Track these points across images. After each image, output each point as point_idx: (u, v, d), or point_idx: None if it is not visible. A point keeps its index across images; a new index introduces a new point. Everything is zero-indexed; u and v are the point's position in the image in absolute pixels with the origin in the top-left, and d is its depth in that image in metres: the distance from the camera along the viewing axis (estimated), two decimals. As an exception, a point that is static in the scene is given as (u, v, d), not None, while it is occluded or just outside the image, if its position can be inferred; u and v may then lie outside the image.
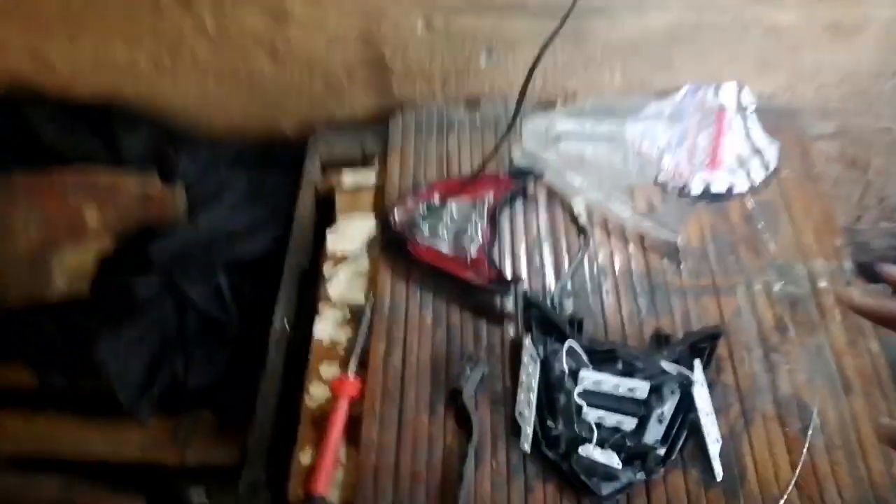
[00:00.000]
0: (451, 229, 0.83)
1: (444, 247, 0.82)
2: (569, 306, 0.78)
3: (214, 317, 0.94)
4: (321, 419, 0.75)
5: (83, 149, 0.97)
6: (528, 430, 0.69)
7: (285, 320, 0.86)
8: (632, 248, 0.82)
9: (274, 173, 1.03)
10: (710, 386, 0.70)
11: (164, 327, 0.93)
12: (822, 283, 0.78)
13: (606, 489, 0.65)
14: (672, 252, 0.81)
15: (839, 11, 0.82)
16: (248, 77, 0.97)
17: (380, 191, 0.91)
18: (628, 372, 0.70)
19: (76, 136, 0.98)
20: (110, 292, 0.92)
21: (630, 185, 0.86)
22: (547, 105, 0.95)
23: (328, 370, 0.79)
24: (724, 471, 0.66)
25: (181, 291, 0.92)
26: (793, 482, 0.66)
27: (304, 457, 0.73)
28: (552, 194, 0.87)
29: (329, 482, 0.71)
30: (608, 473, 0.65)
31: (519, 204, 0.87)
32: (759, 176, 0.84)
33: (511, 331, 0.77)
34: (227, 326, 0.94)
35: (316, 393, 0.77)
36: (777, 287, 0.78)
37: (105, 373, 0.89)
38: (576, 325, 0.74)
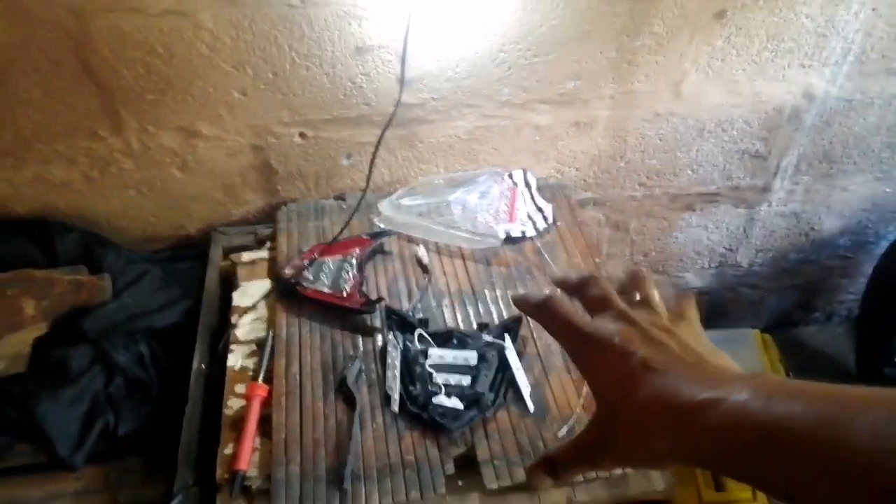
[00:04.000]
0: (329, 276, 1.12)
1: (325, 288, 1.10)
2: (419, 316, 1.08)
3: (138, 378, 1.14)
4: (238, 422, 0.97)
5: (22, 256, 1.19)
6: (395, 397, 0.95)
7: (202, 364, 1.08)
8: (461, 276, 1.15)
9: (183, 265, 1.29)
10: (520, 354, 1.01)
11: (95, 389, 1.12)
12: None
13: (455, 425, 0.92)
14: (490, 258, 1.15)
15: (577, 113, 1.25)
16: (161, 186, 1.24)
17: (272, 262, 1.20)
18: (462, 346, 0.99)
19: (14, 245, 1.20)
20: (48, 364, 1.11)
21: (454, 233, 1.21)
22: (395, 190, 1.30)
23: (241, 387, 1.02)
24: (534, 406, 0.95)
25: (110, 358, 1.13)
26: (579, 406, 0.96)
27: (227, 449, 0.94)
28: (402, 246, 1.20)
29: (248, 461, 0.92)
30: (455, 414, 0.92)
31: (379, 257, 1.18)
32: (542, 225, 1.21)
33: (379, 339, 1.05)
34: (149, 387, 1.14)
35: (233, 404, 1.00)
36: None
37: (45, 430, 1.06)
38: (423, 322, 1.04)
